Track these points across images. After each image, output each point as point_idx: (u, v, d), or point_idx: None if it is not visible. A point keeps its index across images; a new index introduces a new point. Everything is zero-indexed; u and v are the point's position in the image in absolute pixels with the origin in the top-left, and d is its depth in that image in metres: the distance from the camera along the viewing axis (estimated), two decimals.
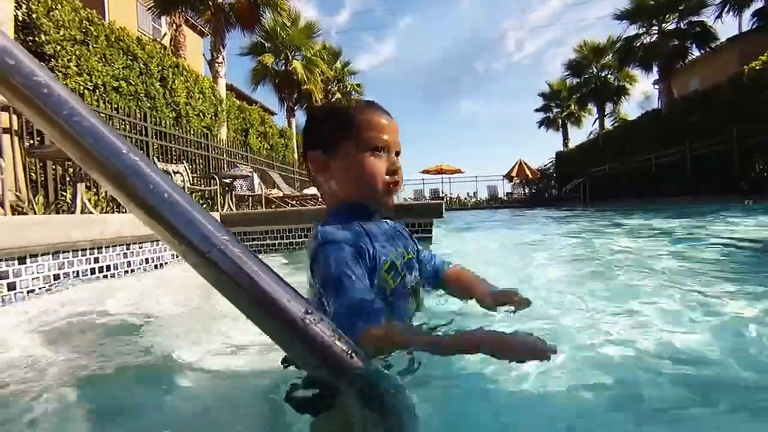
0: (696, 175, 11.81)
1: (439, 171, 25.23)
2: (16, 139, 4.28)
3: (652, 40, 16.40)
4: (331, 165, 1.00)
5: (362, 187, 0.98)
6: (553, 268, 2.17)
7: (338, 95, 22.55)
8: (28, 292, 1.66)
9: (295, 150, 16.12)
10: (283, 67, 16.94)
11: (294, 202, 7.34)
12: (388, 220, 1.09)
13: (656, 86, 17.78)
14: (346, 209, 1.00)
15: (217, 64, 10.79)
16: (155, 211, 0.38)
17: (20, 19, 5.07)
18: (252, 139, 12.15)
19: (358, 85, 24.53)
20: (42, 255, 1.67)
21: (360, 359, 0.42)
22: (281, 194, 8.03)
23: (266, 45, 16.50)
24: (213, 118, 9.25)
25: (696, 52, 15.95)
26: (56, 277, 1.78)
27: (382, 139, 0.97)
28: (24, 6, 5.14)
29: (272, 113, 21.18)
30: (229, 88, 14.02)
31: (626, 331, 1.01)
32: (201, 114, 8.75)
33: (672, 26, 15.89)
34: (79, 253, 1.86)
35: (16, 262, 1.57)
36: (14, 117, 4.24)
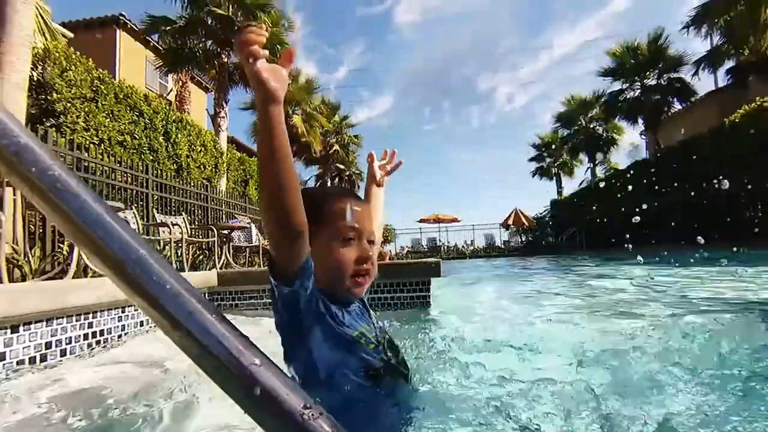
0: (688, 223, 11.96)
1: (437, 220, 25.45)
2: (17, 191, 4.34)
3: (635, 94, 17.30)
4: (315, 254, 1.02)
5: (331, 277, 0.99)
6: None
7: (336, 147, 23.22)
8: (17, 362, 1.60)
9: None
10: None
11: None
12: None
13: (643, 137, 18.50)
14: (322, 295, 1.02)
15: (219, 119, 11.19)
16: (156, 303, 0.39)
17: (35, 79, 5.32)
18: (251, 190, 12.33)
19: (356, 137, 25.34)
20: (36, 322, 1.63)
21: None
22: None
23: None
24: (213, 169, 9.44)
25: (678, 105, 16.78)
26: (48, 345, 1.72)
27: (352, 229, 0.99)
28: (39, 67, 5.41)
29: None
30: (231, 140, 14.45)
31: None
32: (202, 166, 8.95)
33: (653, 82, 16.84)
34: (74, 318, 1.82)
35: (8, 331, 1.53)
36: None
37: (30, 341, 1.67)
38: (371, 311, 1.12)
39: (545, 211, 26.10)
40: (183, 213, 7.14)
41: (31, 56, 4.86)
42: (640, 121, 17.76)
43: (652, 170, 14.49)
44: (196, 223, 7.73)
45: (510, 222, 24.39)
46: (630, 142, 29.69)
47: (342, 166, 25.12)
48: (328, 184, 24.77)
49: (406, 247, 26.35)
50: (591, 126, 23.33)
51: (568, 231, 19.74)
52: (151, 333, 2.44)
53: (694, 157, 11.80)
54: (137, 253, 0.41)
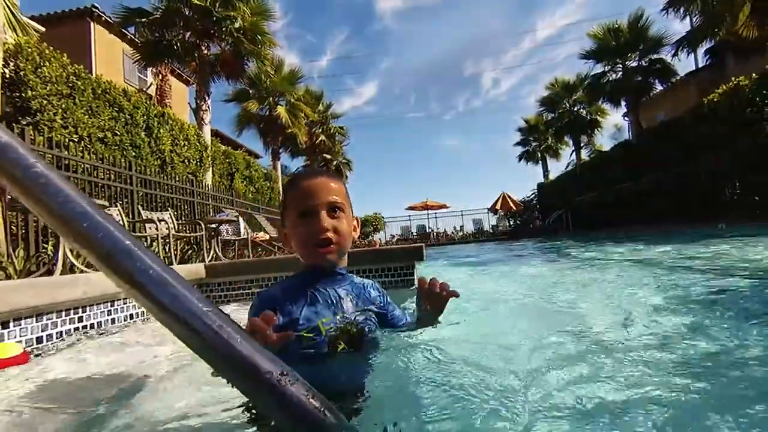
0: (670, 202, 12.24)
1: (425, 207, 25.57)
2: None
3: (618, 76, 17.46)
4: (287, 237, 1.13)
5: (301, 252, 1.10)
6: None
7: (322, 137, 23.05)
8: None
9: (281, 193, 16.23)
10: (267, 112, 17.36)
11: (281, 245, 7.31)
12: (344, 284, 1.14)
13: (626, 119, 18.75)
14: (300, 273, 1.14)
15: (202, 112, 11.02)
16: (142, 287, 0.42)
17: (8, 76, 5.18)
18: (238, 183, 12.23)
19: (341, 128, 25.16)
20: (26, 318, 1.65)
21: (333, 416, 0.45)
22: (268, 237, 8.01)
23: (251, 92, 16.98)
24: (198, 164, 9.34)
25: (659, 87, 17.01)
26: (39, 339, 1.76)
27: (305, 203, 1.06)
28: (12, 63, 5.26)
29: (257, 156, 21.48)
30: (215, 133, 14.25)
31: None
32: (186, 160, 8.84)
33: (634, 63, 17.00)
34: (63, 313, 1.84)
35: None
36: None
37: (21, 336, 1.69)
38: (370, 291, 1.20)
39: (532, 194, 26.39)
40: (169, 208, 7.08)
41: (2, 52, 4.73)
42: (623, 102, 17.98)
43: (635, 151, 14.74)
44: (183, 218, 7.67)
45: (498, 207, 24.62)
46: (614, 124, 30.07)
47: (329, 156, 24.97)
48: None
49: (395, 235, 26.48)
50: (575, 109, 23.52)
51: (555, 213, 20.03)
52: (139, 325, 2.46)
53: (675, 137, 12.03)
54: (123, 242, 0.44)
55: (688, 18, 13.18)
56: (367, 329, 1.09)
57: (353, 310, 1.10)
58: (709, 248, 4.38)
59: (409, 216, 27.95)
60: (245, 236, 7.14)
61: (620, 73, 17.39)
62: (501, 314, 1.92)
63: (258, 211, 11.83)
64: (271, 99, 17.20)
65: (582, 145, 24.69)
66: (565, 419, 0.72)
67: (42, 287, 1.79)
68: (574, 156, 24.90)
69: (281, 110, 16.94)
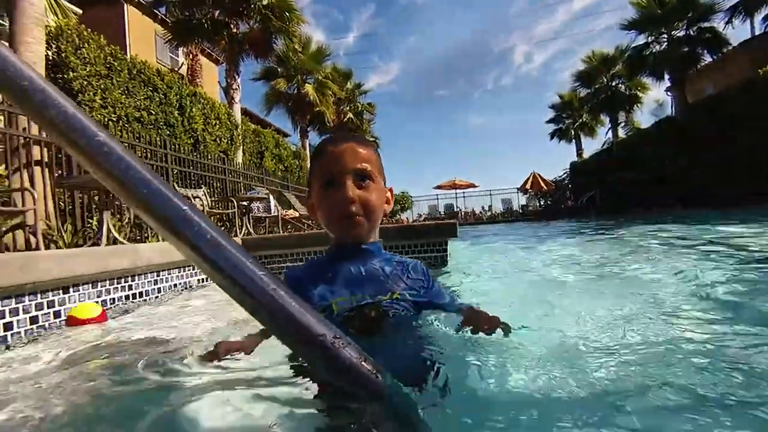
0: (714, 182, 11.57)
1: (453, 186, 25.25)
2: (46, 170, 4.51)
3: (662, 48, 16.35)
4: (314, 209, 1.05)
5: (327, 225, 1.01)
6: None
7: (350, 115, 22.96)
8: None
9: (309, 169, 16.41)
10: (295, 91, 17.39)
11: (310, 222, 7.44)
12: (374, 262, 1.03)
13: (669, 93, 17.63)
14: (330, 248, 1.06)
15: (232, 91, 11.16)
16: (200, 251, 0.44)
17: (50, 58, 5.38)
18: (267, 161, 12.42)
19: (370, 104, 24.97)
20: (83, 284, 1.79)
21: (384, 378, 0.46)
22: (297, 215, 8.16)
23: (279, 70, 17.00)
24: (229, 142, 9.52)
25: (708, 58, 15.83)
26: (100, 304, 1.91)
27: (329, 171, 0.96)
28: (54, 46, 5.45)
29: (286, 135, 21.67)
30: (244, 112, 14.44)
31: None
32: (218, 139, 9.03)
33: (681, 33, 15.84)
34: (115, 281, 1.97)
35: (60, 292, 1.68)
36: (44, 150, 4.48)
37: (79, 301, 1.83)
38: (401, 271, 1.05)
39: (564, 174, 25.55)
40: (203, 186, 7.30)
41: (45, 35, 4.91)
42: (666, 76, 16.87)
43: (679, 128, 13.92)
44: (216, 195, 7.90)
45: (528, 186, 24.03)
46: (654, 100, 28.40)
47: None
48: None
49: (423, 214, 26.38)
50: (613, 84, 22.31)
51: (588, 194, 19.36)
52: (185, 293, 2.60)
53: (725, 111, 11.26)
54: (180, 208, 0.45)
55: None
56: (392, 314, 0.96)
57: (378, 291, 0.98)
58: None
59: (437, 195, 27.76)
60: (275, 213, 7.29)
61: (665, 44, 16.26)
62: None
63: (287, 188, 12.02)
64: (299, 77, 17.19)
65: (619, 122, 23.53)
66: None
67: (96, 256, 1.91)
68: (610, 134, 23.80)
69: (309, 88, 16.92)
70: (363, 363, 0.44)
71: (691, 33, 15.57)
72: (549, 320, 1.35)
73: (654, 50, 16.60)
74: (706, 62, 16.10)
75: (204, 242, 0.44)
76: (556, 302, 1.64)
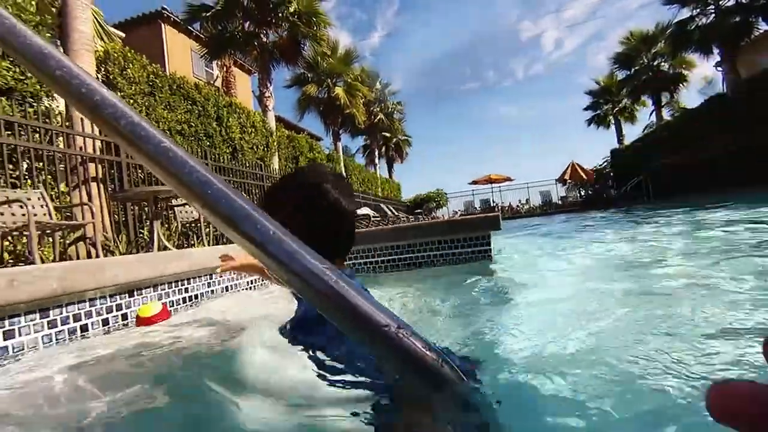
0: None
1: (488, 180, 24.77)
2: (101, 186, 4.83)
3: (709, 20, 15.27)
4: None
5: None
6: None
7: (381, 116, 23.06)
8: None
9: (343, 172, 16.60)
10: (326, 95, 17.66)
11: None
12: None
13: (719, 69, 16.44)
14: None
15: (265, 99, 11.48)
16: (264, 248, 0.46)
17: (100, 80, 5.75)
18: (302, 165, 12.68)
19: (399, 103, 24.96)
20: (146, 288, 1.92)
21: (449, 368, 0.46)
22: None
23: (309, 75, 17.34)
24: (265, 149, 9.81)
25: (764, 26, 14.63)
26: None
27: None
28: (102, 69, 5.83)
29: (318, 139, 22.06)
30: (278, 119, 14.83)
31: None
32: (254, 147, 9.32)
33: (731, 2, 14.73)
34: (173, 284, 2.11)
35: (126, 295, 1.82)
36: (99, 167, 4.80)
37: (143, 304, 1.96)
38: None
39: (604, 162, 24.44)
40: (242, 193, 7.55)
41: (95, 60, 5.26)
42: (716, 51, 15.74)
43: (732, 105, 12.96)
44: (255, 201, 8.14)
45: (567, 177, 23.17)
46: (702, 77, 26.61)
47: (388, 134, 24.99)
48: (375, 153, 24.80)
49: (458, 210, 26.07)
50: (655, 63, 21.09)
51: (633, 181, 18.41)
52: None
53: None
54: (242, 207, 0.47)
55: None
56: None
57: None
58: None
59: (472, 191, 27.34)
60: None
61: (712, 15, 15.18)
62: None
63: None
64: (329, 81, 17.45)
65: (663, 104, 22.22)
66: None
67: (156, 261, 2.04)
68: (653, 117, 22.54)
69: (339, 91, 17.13)
70: (428, 352, 0.44)
71: (743, 0, 14.44)
72: None
73: (700, 23, 15.55)
74: (760, 32, 14.88)
75: (267, 239, 0.46)
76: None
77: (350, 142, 27.07)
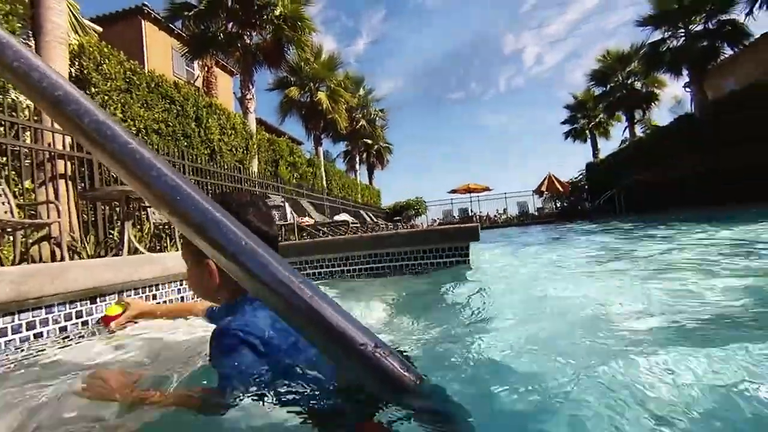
0: (740, 182, 11.21)
1: (467, 190, 25.09)
2: (69, 183, 4.63)
3: (679, 43, 16.00)
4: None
5: None
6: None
7: (363, 122, 23.08)
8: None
9: (324, 178, 16.50)
10: (308, 99, 17.57)
11: (325, 228, 7.46)
12: None
13: (687, 90, 17.22)
14: None
15: (246, 101, 11.33)
16: (235, 258, 0.43)
17: (73, 75, 5.55)
18: (282, 169, 12.54)
19: (382, 110, 25.06)
20: (110, 294, 1.82)
21: (429, 389, 0.44)
22: (312, 221, 8.20)
23: (292, 79, 17.23)
24: (245, 151, 9.65)
25: (729, 51, 15.42)
26: None
27: None
28: (77, 63, 5.63)
29: (299, 143, 21.90)
30: (259, 122, 14.65)
31: None
32: (233, 149, 9.16)
33: (699, 27, 15.48)
34: (140, 290, 2.01)
35: (88, 302, 1.72)
36: (68, 164, 4.61)
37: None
38: None
39: (580, 175, 25.15)
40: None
41: (68, 53, 5.07)
42: (685, 72, 16.49)
43: (699, 125, 13.57)
44: None
45: (543, 188, 23.72)
46: (672, 97, 27.80)
47: (369, 141, 25.01)
48: (356, 159, 24.75)
49: (437, 219, 26.25)
50: (629, 81, 21.92)
51: (606, 195, 18.99)
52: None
53: (749, 108, 10.93)
54: (213, 214, 0.44)
55: None
56: None
57: None
58: None
59: (451, 200, 27.62)
60: (291, 221, 7.34)
61: (682, 38, 15.91)
62: None
63: (302, 196, 12.11)
64: (311, 85, 17.38)
65: (636, 120, 23.08)
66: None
67: (123, 266, 1.94)
68: (627, 133, 23.37)
69: (322, 96, 17.07)
70: (405, 373, 0.42)
71: (710, 26, 15.21)
72: None
73: (671, 45, 16.27)
74: (726, 56, 15.68)
75: (239, 249, 0.43)
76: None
77: (331, 147, 26.91)
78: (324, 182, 16.33)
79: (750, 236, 3.91)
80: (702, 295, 1.70)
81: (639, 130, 23.14)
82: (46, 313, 1.56)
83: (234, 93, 19.53)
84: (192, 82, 16.85)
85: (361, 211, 15.97)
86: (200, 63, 15.60)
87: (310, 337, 0.44)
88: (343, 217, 11.09)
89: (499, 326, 1.47)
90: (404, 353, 0.88)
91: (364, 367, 0.41)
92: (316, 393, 0.79)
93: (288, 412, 0.73)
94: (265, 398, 0.79)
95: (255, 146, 10.27)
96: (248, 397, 0.80)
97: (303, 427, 0.68)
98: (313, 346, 0.94)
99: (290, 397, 0.77)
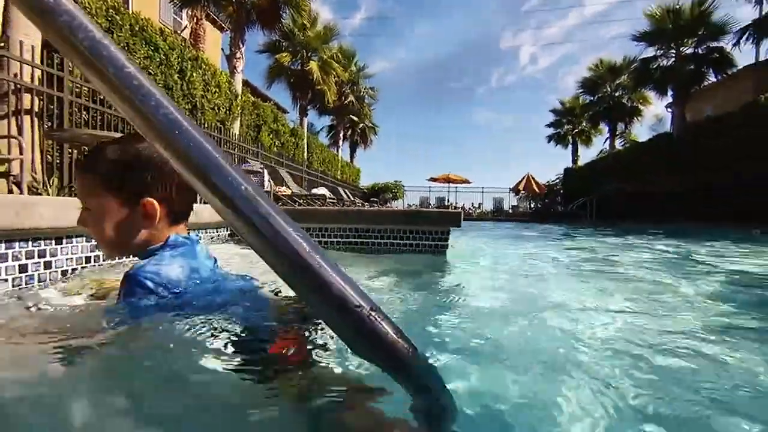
0: (705, 203, 11.76)
1: (447, 180, 25.25)
2: (36, 120, 4.36)
3: (670, 63, 16.40)
4: None
5: None
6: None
7: (352, 98, 22.69)
8: (62, 272, 1.75)
9: (306, 150, 16.20)
10: (299, 67, 17.08)
11: (302, 200, 7.38)
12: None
13: (669, 109, 17.77)
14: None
15: (235, 60, 10.91)
16: (233, 203, 0.40)
17: None
18: (264, 136, 12.23)
19: (372, 89, 24.68)
20: (77, 237, 1.72)
21: (421, 358, 0.43)
22: (290, 192, 8.08)
23: (284, 44, 16.66)
24: (227, 112, 9.32)
25: (713, 78, 15.94)
26: (87, 259, 1.85)
27: None
28: None
29: (285, 111, 21.35)
30: (245, 83, 14.15)
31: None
32: (216, 108, 8.83)
33: (690, 50, 15.89)
34: None
35: (53, 241, 1.62)
36: (36, 99, 4.32)
37: (72, 254, 1.77)
38: None
39: (557, 178, 25.75)
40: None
41: None
42: (670, 92, 16.98)
43: (676, 145, 14.05)
44: None
45: (521, 187, 24.16)
46: (654, 115, 28.62)
47: (356, 118, 24.67)
48: (340, 135, 24.43)
49: (413, 205, 26.38)
50: (617, 94, 22.40)
51: (579, 201, 19.55)
52: None
53: (723, 134, 11.39)
54: (213, 156, 0.42)
55: (760, 6, 12.13)
56: None
57: None
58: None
59: (429, 187, 27.77)
60: (268, 189, 7.21)
61: (672, 59, 16.31)
62: None
63: (281, 165, 11.88)
64: (304, 53, 16.88)
65: (617, 133, 23.71)
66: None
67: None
68: (607, 144, 24.00)
69: (313, 65, 16.64)
70: (399, 338, 0.41)
71: (699, 51, 15.64)
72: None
73: (661, 64, 16.66)
74: (709, 82, 16.22)
75: (237, 194, 0.41)
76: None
77: (316, 120, 26.39)
78: (305, 154, 16.04)
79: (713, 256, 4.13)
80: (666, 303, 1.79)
81: (618, 143, 23.79)
82: (6, 248, 1.46)
83: (222, 49, 18.73)
84: (179, 32, 16.01)
85: (339, 188, 15.84)
86: (189, 13, 14.80)
87: (302, 292, 0.42)
88: (322, 191, 10.98)
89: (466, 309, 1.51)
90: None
91: (357, 329, 0.40)
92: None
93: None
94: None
95: (239, 108, 9.93)
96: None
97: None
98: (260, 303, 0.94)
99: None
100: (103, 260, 1.95)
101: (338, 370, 0.63)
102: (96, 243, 0.98)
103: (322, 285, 0.39)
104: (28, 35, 4.11)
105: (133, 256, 1.03)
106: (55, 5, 0.40)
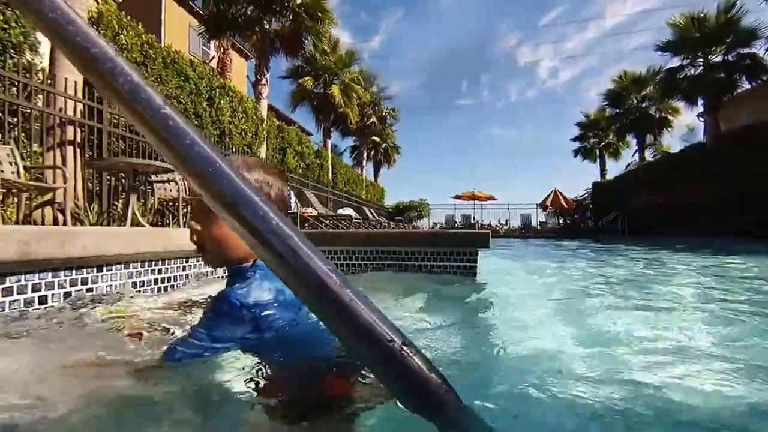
0: (737, 211, 11.17)
1: (472, 197, 24.99)
2: (78, 150, 4.62)
3: (697, 72, 15.93)
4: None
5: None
6: None
7: (374, 119, 23.06)
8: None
9: (330, 170, 16.47)
10: (321, 90, 17.55)
11: (328, 221, 7.45)
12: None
13: (701, 119, 17.16)
14: None
15: (260, 86, 11.30)
16: (263, 237, 0.41)
17: None
18: (289, 158, 12.53)
19: (393, 110, 25.03)
20: (117, 264, 1.80)
21: (453, 394, 0.42)
22: (315, 213, 8.19)
23: (306, 69, 17.20)
24: (254, 136, 9.63)
25: (746, 85, 15.35)
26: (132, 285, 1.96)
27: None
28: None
29: (309, 134, 21.87)
30: (270, 108, 14.62)
31: None
32: (243, 132, 9.14)
33: (718, 58, 15.41)
34: (146, 264, 1.99)
35: (94, 269, 1.70)
36: (78, 131, 4.59)
37: (111, 281, 1.84)
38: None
39: (585, 193, 25.09)
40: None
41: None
42: (700, 101, 16.41)
43: (710, 156, 13.50)
44: None
45: (548, 203, 23.65)
46: (686, 125, 27.72)
47: (378, 139, 24.98)
48: (363, 155, 24.77)
49: (439, 223, 26.18)
50: (643, 105, 21.83)
51: (610, 215, 18.93)
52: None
53: (762, 143, 10.87)
54: (245, 192, 0.43)
55: None
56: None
57: None
58: None
59: (455, 205, 27.56)
60: (294, 210, 7.33)
61: (700, 68, 15.84)
62: None
63: (307, 186, 12.09)
64: (326, 77, 17.35)
65: (647, 145, 23.01)
66: None
67: (130, 237, 1.92)
68: (636, 156, 23.31)
69: (335, 89, 17.05)
70: (432, 374, 0.40)
71: (729, 58, 15.14)
72: None
73: (688, 73, 16.20)
74: (743, 89, 15.61)
75: (269, 228, 0.41)
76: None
77: (339, 141, 26.87)
78: (330, 175, 16.30)
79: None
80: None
81: (648, 155, 23.08)
82: (53, 277, 1.54)
83: (247, 77, 19.49)
84: (207, 62, 16.82)
85: (364, 207, 15.96)
86: (216, 44, 15.57)
87: (333, 326, 0.42)
88: (347, 211, 11.08)
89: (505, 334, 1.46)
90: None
91: (388, 364, 0.39)
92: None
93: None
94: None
95: (264, 132, 10.25)
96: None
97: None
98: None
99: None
100: (140, 287, 2.02)
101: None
102: (201, 256, 1.14)
103: (353, 318, 0.39)
104: (72, 72, 4.39)
105: (226, 270, 1.17)
106: (100, 54, 0.43)
